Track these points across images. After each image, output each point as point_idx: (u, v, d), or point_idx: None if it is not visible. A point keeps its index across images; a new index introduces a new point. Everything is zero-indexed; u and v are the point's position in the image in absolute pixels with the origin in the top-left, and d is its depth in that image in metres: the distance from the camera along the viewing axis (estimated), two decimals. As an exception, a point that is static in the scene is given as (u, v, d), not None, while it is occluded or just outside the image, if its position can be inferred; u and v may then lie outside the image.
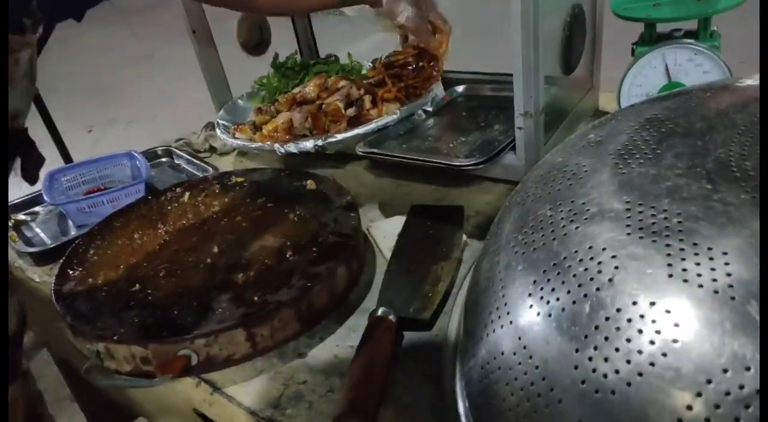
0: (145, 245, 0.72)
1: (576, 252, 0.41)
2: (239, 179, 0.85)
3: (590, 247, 0.41)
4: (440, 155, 0.79)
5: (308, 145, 0.86)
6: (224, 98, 1.09)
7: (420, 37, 0.86)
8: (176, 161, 1.08)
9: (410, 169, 0.85)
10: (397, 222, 0.77)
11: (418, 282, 0.65)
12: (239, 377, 0.57)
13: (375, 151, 0.81)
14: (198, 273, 0.65)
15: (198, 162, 1.02)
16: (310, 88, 0.94)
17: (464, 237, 0.73)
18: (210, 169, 0.99)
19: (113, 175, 1.00)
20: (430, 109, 0.95)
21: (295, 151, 0.86)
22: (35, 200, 0.97)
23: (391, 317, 0.59)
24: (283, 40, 1.24)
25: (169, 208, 0.80)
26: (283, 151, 0.87)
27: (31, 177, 0.48)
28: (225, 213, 0.77)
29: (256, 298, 0.59)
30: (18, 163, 0.47)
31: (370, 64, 1.01)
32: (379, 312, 0.60)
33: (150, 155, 1.08)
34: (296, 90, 0.98)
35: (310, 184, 0.80)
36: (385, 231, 0.77)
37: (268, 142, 0.88)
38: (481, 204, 0.80)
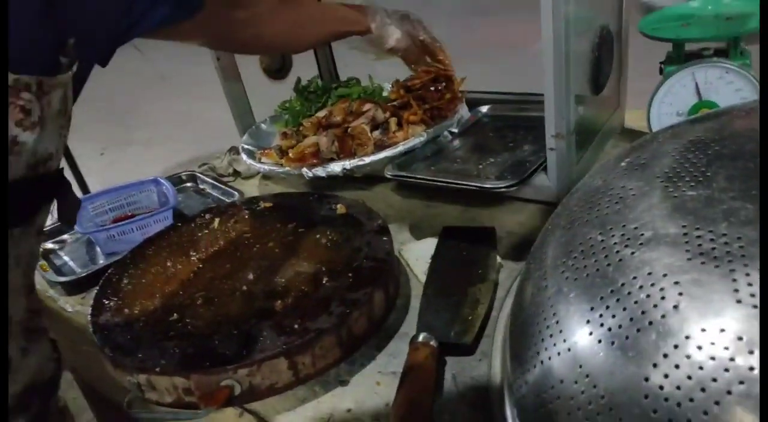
0: (179, 273, 0.71)
1: (635, 278, 0.41)
2: (267, 204, 0.85)
3: (650, 273, 0.40)
4: (471, 177, 0.79)
5: (336, 168, 0.86)
6: (248, 123, 1.10)
7: (410, 61, 0.89)
8: (201, 186, 1.08)
9: (438, 190, 0.85)
10: (429, 245, 0.77)
11: (457, 306, 0.64)
12: (282, 406, 0.56)
13: (404, 174, 0.81)
14: (235, 300, 0.65)
15: (223, 186, 1.03)
16: (335, 112, 0.94)
17: (498, 258, 0.72)
18: (236, 193, 0.99)
19: (140, 201, 1.01)
20: (456, 130, 0.95)
21: (323, 174, 0.86)
22: (61, 228, 0.98)
23: (432, 342, 0.58)
24: (304, 65, 1.25)
25: (199, 234, 0.80)
26: (311, 174, 0.87)
27: (68, 220, 0.48)
28: (256, 238, 0.77)
29: (296, 326, 0.58)
30: (54, 205, 0.47)
31: (391, 86, 1.02)
32: (420, 337, 0.59)
33: (175, 180, 1.09)
34: (321, 113, 0.99)
35: (340, 208, 0.79)
36: (417, 254, 0.77)
37: (296, 166, 0.88)
38: (512, 224, 0.80)
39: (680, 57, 0.82)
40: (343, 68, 1.30)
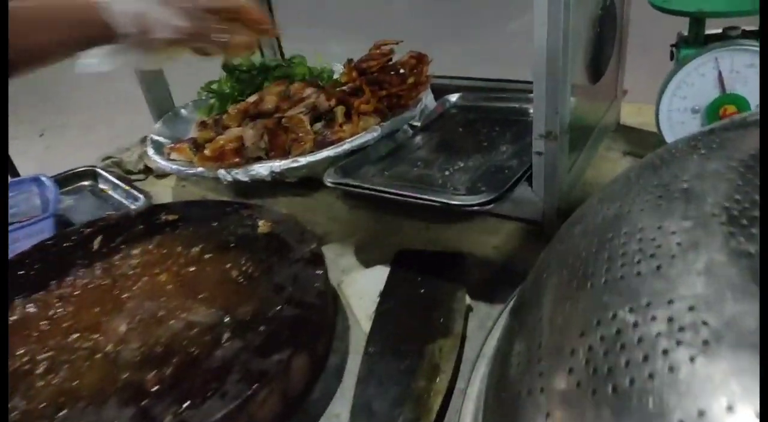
0: (26, 320, 0.51)
1: (703, 413, 0.24)
2: (171, 217, 0.65)
3: (730, 408, 0.23)
4: (434, 188, 0.61)
5: (262, 171, 0.66)
6: (164, 107, 0.89)
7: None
8: (101, 186, 0.87)
9: (394, 201, 0.66)
10: (378, 275, 0.59)
11: (409, 374, 0.46)
12: None
13: (349, 181, 0.62)
14: (93, 368, 0.45)
15: (128, 188, 0.82)
16: (267, 97, 0.74)
17: (467, 298, 0.55)
18: (141, 196, 0.79)
19: (17, 205, 0.79)
20: (418, 123, 0.76)
21: (245, 178, 0.67)
22: None
23: (371, 439, 0.40)
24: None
25: (70, 258, 0.59)
26: (230, 178, 0.67)
27: None
28: (145, 268, 0.57)
29: (169, 418, 0.39)
30: None
31: (343, 68, 0.82)
32: (355, 430, 0.41)
33: (69, 178, 0.87)
34: (251, 99, 0.78)
35: (263, 226, 0.60)
36: (362, 289, 0.58)
37: (211, 167, 0.68)
38: (486, 249, 0.62)
39: (699, 38, 0.65)
40: (292, 44, 1.09)
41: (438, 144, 0.72)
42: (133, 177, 0.88)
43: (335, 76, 0.92)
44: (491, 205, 0.54)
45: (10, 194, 0.79)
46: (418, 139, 0.74)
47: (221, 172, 0.67)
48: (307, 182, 0.76)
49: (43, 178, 0.79)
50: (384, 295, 0.56)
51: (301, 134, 0.70)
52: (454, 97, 0.83)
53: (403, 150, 0.72)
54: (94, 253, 0.60)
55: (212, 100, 0.89)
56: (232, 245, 0.59)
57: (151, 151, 0.76)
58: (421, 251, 0.63)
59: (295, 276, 0.53)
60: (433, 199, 0.55)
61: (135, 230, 0.64)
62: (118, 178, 0.85)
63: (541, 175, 0.58)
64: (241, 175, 0.66)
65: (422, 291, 0.56)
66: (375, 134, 0.69)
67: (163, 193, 0.83)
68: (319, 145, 0.69)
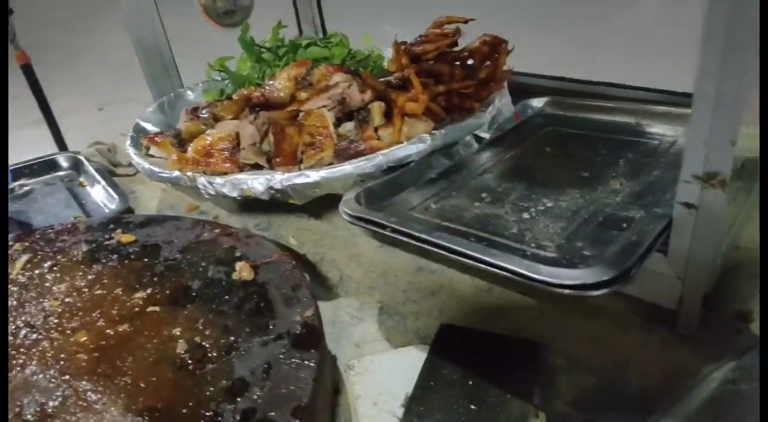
0: None
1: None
2: (126, 238, 0.46)
3: None
4: (506, 240, 0.39)
5: (257, 185, 0.46)
6: (164, 87, 0.71)
7: None
8: (81, 178, 0.70)
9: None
10: (409, 362, 0.39)
11: None
12: None
13: (375, 217, 0.41)
14: None
15: (108, 185, 0.64)
16: (279, 82, 0.54)
17: (543, 417, 0.33)
18: (117, 199, 0.61)
19: None
20: (487, 135, 0.54)
21: (232, 193, 0.47)
22: None
23: None
24: (273, 9, 0.85)
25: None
26: (212, 191, 0.48)
27: None
28: (64, 316, 0.38)
29: None
30: None
31: (392, 51, 0.61)
32: None
33: (47, 165, 0.71)
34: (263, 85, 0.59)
35: (242, 270, 0.40)
36: (380, 386, 0.38)
37: (190, 171, 0.49)
38: (578, 340, 0.40)
39: None
40: (336, 20, 0.90)
41: (513, 168, 0.50)
42: (121, 170, 0.71)
43: (385, 65, 0.72)
44: (604, 291, 0.32)
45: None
46: (486, 157, 0.53)
47: (201, 181, 0.48)
48: (327, 199, 0.56)
49: None
50: (413, 403, 0.35)
51: (319, 137, 0.50)
52: (539, 102, 0.61)
53: (462, 172, 0.50)
54: (11, 281, 0.42)
55: (226, 81, 0.71)
56: (192, 295, 0.39)
57: (128, 141, 0.58)
58: (475, 330, 0.41)
59: (268, 364, 0.33)
60: (504, 265, 0.33)
61: (73, 253, 0.45)
62: (103, 171, 0.68)
63: (687, 239, 0.35)
64: (227, 187, 0.47)
65: (472, 406, 0.34)
66: (423, 146, 0.48)
67: (149, 194, 0.66)
68: (342, 155, 0.48)
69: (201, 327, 0.37)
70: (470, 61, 0.57)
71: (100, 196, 0.65)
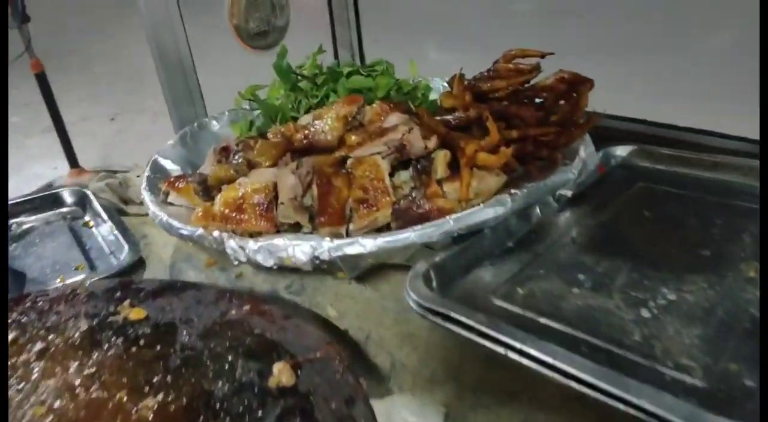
0: None
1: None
2: (136, 314, 0.37)
3: None
4: (638, 363, 0.30)
5: (300, 255, 0.38)
6: (187, 114, 0.63)
7: None
8: (86, 217, 0.62)
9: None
10: None
11: None
12: None
13: (458, 315, 0.32)
14: None
15: (117, 228, 0.56)
16: (325, 122, 0.46)
17: None
18: (127, 246, 0.52)
19: None
20: (569, 192, 0.45)
21: (268, 263, 0.38)
22: None
23: None
24: (309, 32, 0.77)
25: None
26: (243, 258, 0.39)
27: None
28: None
29: None
30: None
31: (448, 85, 0.52)
32: None
33: (50, 200, 0.63)
34: (304, 119, 0.50)
35: (281, 374, 0.31)
36: None
37: (216, 229, 0.41)
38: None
39: None
40: (373, 45, 0.82)
41: (608, 237, 0.41)
42: (133, 210, 0.62)
43: (432, 97, 0.63)
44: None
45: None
46: (569, 220, 0.44)
47: (231, 246, 0.39)
48: (378, 269, 0.47)
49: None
50: None
51: (373, 192, 0.41)
52: (623, 151, 0.52)
53: (545, 240, 0.41)
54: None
55: (256, 112, 0.62)
56: (215, 406, 0.30)
57: (143, 184, 0.50)
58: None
59: None
60: (653, 410, 0.24)
61: (69, 333, 0.37)
62: (111, 209, 0.59)
63: None
64: (262, 255, 0.38)
65: None
66: (502, 210, 0.39)
67: (162, 240, 0.57)
68: (402, 217, 0.40)
69: (228, 460, 0.28)
70: (539, 100, 0.49)
71: (107, 239, 0.56)
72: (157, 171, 0.53)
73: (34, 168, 1.87)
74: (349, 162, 0.44)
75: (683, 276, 0.36)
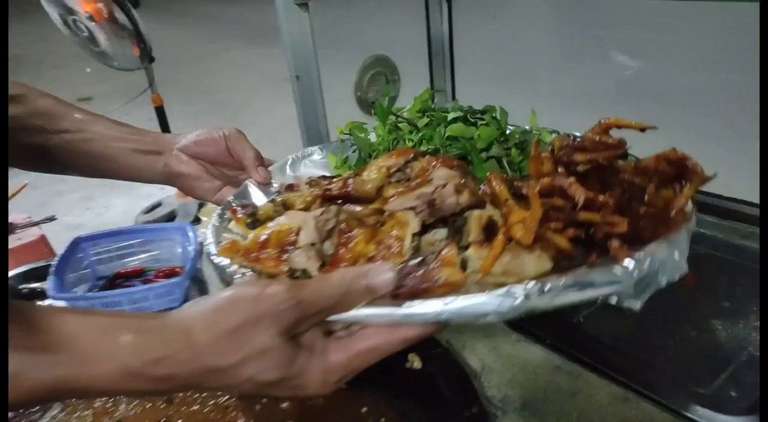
0: None
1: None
2: None
3: None
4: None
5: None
6: (315, 133, 0.67)
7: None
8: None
9: None
10: None
11: None
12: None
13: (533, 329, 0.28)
14: None
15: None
16: (368, 172, 0.44)
17: None
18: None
19: (159, 252, 0.72)
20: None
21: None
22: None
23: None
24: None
25: None
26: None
27: None
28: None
29: None
30: None
31: (551, 148, 0.46)
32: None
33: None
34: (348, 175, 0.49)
35: (413, 360, 0.45)
36: None
37: (238, 264, 0.42)
38: None
39: None
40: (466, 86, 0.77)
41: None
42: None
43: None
44: None
45: (152, 238, 0.73)
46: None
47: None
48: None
49: (189, 228, 0.69)
50: None
51: (385, 250, 0.38)
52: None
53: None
54: None
55: (349, 144, 0.64)
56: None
57: (219, 209, 0.54)
58: None
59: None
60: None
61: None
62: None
63: None
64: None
65: None
66: (508, 302, 0.33)
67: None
68: (403, 279, 0.36)
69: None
70: (636, 181, 0.40)
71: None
72: (243, 196, 0.57)
73: (145, 188, 2.07)
74: (384, 215, 0.42)
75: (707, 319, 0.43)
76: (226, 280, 0.42)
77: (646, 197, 0.39)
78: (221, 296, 0.34)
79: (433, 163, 0.44)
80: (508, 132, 0.62)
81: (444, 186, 0.40)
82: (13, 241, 1.31)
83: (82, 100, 3.49)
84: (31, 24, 5.19)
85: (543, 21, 0.87)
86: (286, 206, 0.45)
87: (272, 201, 0.48)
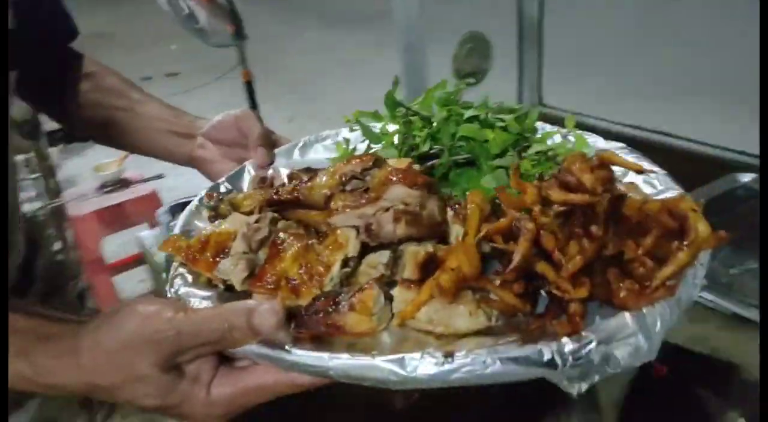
0: None
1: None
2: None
3: None
4: None
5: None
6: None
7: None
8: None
9: None
10: None
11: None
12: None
13: None
14: None
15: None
16: (321, 176, 0.39)
17: None
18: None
19: None
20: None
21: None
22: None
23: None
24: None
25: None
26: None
27: None
28: None
29: None
30: None
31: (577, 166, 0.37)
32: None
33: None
34: (347, 167, 0.43)
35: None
36: None
37: (178, 261, 0.40)
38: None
39: None
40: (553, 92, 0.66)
41: None
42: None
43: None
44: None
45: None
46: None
47: (177, 284, 0.38)
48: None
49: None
50: None
51: (307, 273, 0.34)
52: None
53: None
54: None
55: (353, 129, 0.58)
56: None
57: (202, 192, 0.51)
58: None
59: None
60: None
61: None
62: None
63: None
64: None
65: None
66: (395, 373, 0.27)
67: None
68: (305, 322, 0.31)
69: None
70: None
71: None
72: (237, 179, 0.54)
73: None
74: (326, 228, 0.37)
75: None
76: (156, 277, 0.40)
77: (635, 251, 0.31)
78: (111, 313, 0.33)
79: (393, 177, 0.38)
80: (539, 135, 0.53)
81: (387, 210, 0.34)
82: (129, 194, 1.61)
83: (170, 76, 3.72)
84: (119, 7, 5.62)
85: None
86: (234, 206, 0.42)
87: (221, 199, 0.45)
